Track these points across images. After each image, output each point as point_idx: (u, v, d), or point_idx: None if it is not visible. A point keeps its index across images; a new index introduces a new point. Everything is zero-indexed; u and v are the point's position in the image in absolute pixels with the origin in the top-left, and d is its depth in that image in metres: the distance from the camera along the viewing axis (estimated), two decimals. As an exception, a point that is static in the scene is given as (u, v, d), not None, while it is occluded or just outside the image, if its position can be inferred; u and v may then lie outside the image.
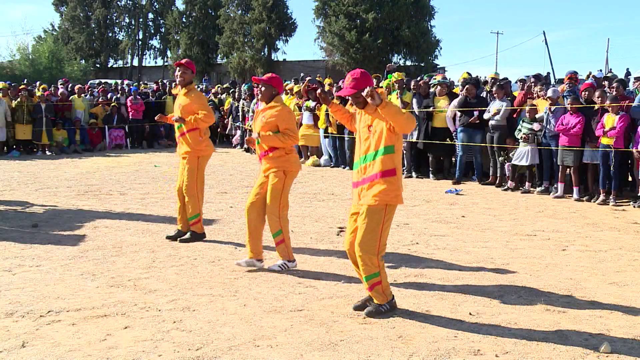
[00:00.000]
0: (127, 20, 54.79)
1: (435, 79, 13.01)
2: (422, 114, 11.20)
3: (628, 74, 20.01)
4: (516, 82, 11.74)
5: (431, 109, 11.10)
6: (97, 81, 26.78)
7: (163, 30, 53.69)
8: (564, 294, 4.80)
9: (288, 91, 15.00)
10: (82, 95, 16.81)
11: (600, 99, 8.89)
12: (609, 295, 4.78)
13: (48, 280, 5.10)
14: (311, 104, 13.11)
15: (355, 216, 4.35)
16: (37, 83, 20.46)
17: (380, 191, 4.14)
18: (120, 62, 55.42)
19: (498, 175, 10.43)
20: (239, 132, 16.67)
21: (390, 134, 4.12)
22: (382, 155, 4.15)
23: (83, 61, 49.27)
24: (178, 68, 6.44)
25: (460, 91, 11.25)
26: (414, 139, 11.32)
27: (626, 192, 9.15)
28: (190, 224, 6.54)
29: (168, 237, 6.60)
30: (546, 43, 37.19)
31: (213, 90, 19.12)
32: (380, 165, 4.15)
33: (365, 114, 4.27)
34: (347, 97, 4.40)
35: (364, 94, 4.03)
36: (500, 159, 10.28)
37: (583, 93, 9.35)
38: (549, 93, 9.59)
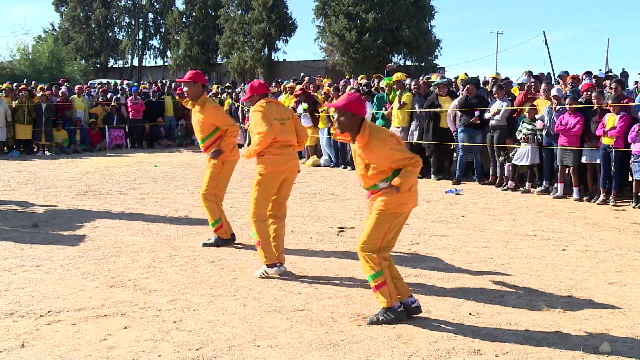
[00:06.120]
0: (127, 20, 54.84)
1: (432, 79, 13.03)
2: (426, 114, 11.19)
3: (625, 74, 19.98)
4: (520, 78, 11.76)
5: (438, 110, 11.08)
6: (97, 81, 26.78)
7: (163, 30, 53.67)
8: (564, 294, 4.80)
9: (287, 89, 15.01)
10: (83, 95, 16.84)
11: (596, 100, 8.92)
12: (609, 295, 4.77)
13: (48, 280, 5.10)
14: (303, 106, 13.15)
15: None
16: (33, 83, 20.44)
17: (387, 198, 4.12)
18: (120, 62, 55.49)
19: (498, 175, 10.43)
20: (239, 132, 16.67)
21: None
22: (388, 180, 4.14)
23: (83, 61, 49.30)
24: (182, 84, 6.27)
25: (460, 91, 11.25)
26: (415, 140, 11.32)
27: (626, 192, 9.14)
28: (214, 229, 6.29)
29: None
30: (546, 43, 37.15)
31: (213, 91, 19.13)
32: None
33: (359, 149, 4.19)
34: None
35: (380, 187, 4.08)
36: (500, 159, 10.28)
37: (584, 93, 9.36)
38: (554, 92, 9.58)
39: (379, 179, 4.13)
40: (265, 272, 5.20)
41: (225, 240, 6.29)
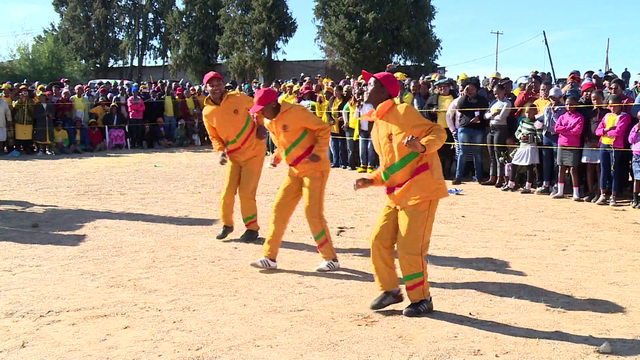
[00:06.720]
0: (127, 20, 54.82)
1: (432, 79, 13.03)
2: (425, 115, 11.21)
3: (627, 74, 20.01)
4: (522, 77, 11.75)
5: (434, 110, 11.09)
6: (97, 81, 26.75)
7: (163, 30, 53.66)
8: (564, 294, 4.80)
9: (287, 89, 15.02)
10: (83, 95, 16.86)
11: (596, 100, 8.92)
12: (609, 295, 4.77)
13: (48, 280, 5.11)
14: (311, 103, 13.15)
15: (388, 211, 4.30)
16: (36, 83, 20.46)
17: (418, 188, 4.10)
18: (120, 62, 55.47)
19: (498, 175, 10.43)
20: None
21: None
22: (410, 161, 4.12)
23: (83, 61, 49.26)
24: (208, 85, 6.17)
25: (460, 91, 11.25)
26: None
27: (626, 192, 9.14)
28: (248, 223, 6.52)
29: (219, 237, 6.53)
30: (546, 43, 37.18)
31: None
32: (411, 168, 4.13)
33: (382, 121, 4.18)
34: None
35: (405, 144, 3.90)
36: (500, 159, 10.28)
37: (585, 93, 9.36)
38: (552, 92, 9.58)
39: (405, 152, 4.06)
40: (333, 264, 5.39)
41: (257, 232, 6.56)
